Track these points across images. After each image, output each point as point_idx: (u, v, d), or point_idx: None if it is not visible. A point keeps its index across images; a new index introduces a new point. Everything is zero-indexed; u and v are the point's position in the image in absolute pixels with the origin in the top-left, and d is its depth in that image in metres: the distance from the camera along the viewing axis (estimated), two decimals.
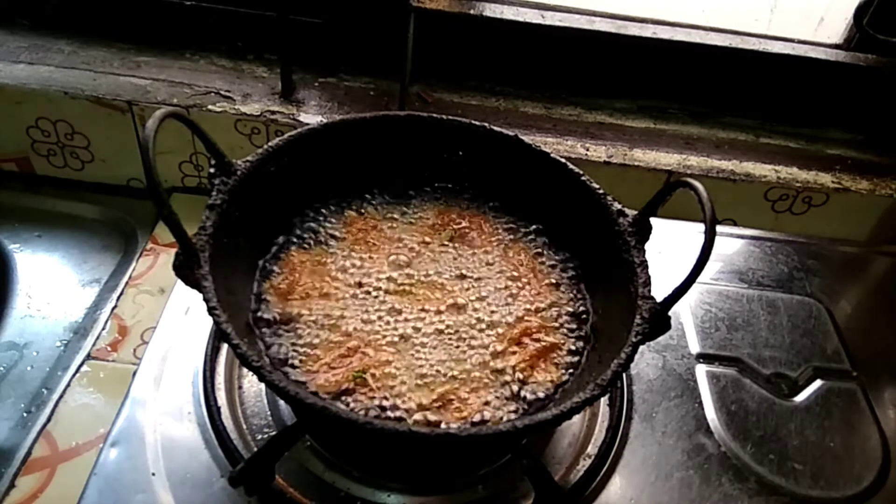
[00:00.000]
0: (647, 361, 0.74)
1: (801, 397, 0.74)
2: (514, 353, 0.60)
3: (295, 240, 0.66)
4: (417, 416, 0.54)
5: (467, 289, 0.64)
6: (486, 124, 0.70)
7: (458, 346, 0.59)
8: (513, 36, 0.96)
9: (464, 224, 0.71)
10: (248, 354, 0.48)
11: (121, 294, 0.83)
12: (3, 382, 0.73)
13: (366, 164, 0.70)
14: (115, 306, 0.81)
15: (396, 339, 0.59)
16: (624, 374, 0.67)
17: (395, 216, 0.71)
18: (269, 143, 0.63)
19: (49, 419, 0.69)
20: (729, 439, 0.68)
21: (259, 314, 0.60)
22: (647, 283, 0.56)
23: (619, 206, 0.63)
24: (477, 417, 0.55)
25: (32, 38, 0.96)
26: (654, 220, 0.61)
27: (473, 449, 0.60)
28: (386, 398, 0.55)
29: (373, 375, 0.56)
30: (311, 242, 0.66)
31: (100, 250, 0.89)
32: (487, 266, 0.67)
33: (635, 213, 0.61)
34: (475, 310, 0.63)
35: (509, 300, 0.64)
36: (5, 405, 0.71)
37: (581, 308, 0.65)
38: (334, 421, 0.46)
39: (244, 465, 0.57)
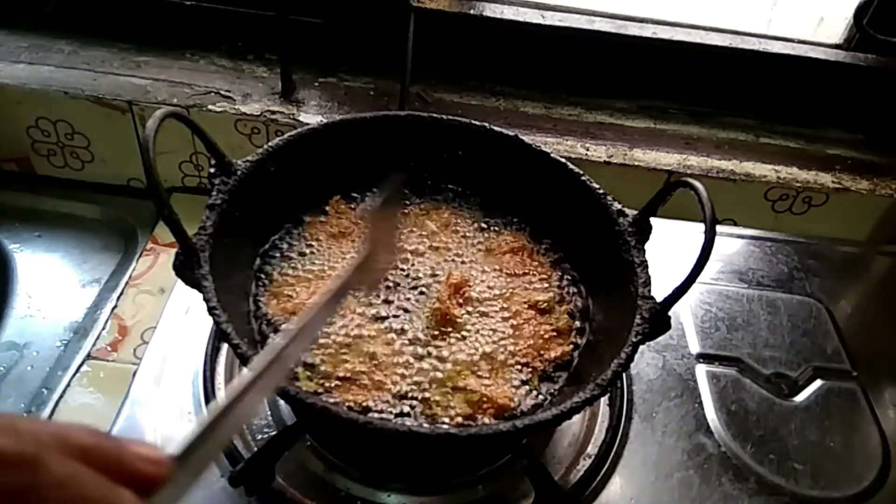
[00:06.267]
0: (647, 361, 0.74)
1: (801, 397, 0.74)
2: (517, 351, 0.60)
3: (288, 252, 0.66)
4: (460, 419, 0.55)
5: (469, 289, 0.64)
6: (486, 124, 0.70)
7: (466, 345, 0.59)
8: (513, 36, 0.96)
9: (463, 224, 0.71)
10: (248, 354, 0.48)
11: (121, 294, 0.82)
12: (3, 382, 0.73)
13: (366, 165, 0.70)
14: (115, 306, 0.81)
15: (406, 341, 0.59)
16: (624, 374, 0.67)
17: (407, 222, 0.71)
18: (269, 143, 0.63)
19: (49, 419, 0.69)
20: (729, 439, 0.68)
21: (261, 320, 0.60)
22: (647, 283, 0.56)
23: (619, 206, 0.63)
24: (513, 404, 0.56)
25: (32, 38, 0.95)
26: (654, 220, 0.61)
27: (473, 449, 0.60)
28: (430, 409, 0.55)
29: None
30: (305, 255, 0.66)
31: (100, 250, 0.89)
32: (487, 266, 0.67)
33: (635, 213, 0.61)
34: (476, 311, 0.63)
35: (509, 300, 0.64)
36: (5, 405, 0.71)
37: (581, 308, 0.65)
38: (334, 421, 0.46)
39: (244, 465, 0.57)
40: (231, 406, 0.33)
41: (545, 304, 0.64)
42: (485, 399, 0.56)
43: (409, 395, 0.55)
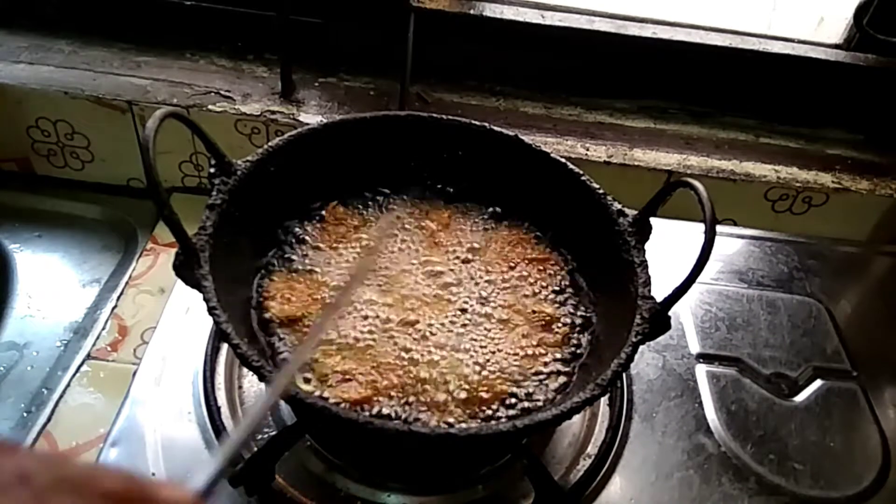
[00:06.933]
0: (647, 361, 0.74)
1: (801, 397, 0.74)
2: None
3: (288, 252, 0.66)
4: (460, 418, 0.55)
5: (468, 289, 0.64)
6: (486, 124, 0.70)
7: (466, 345, 0.59)
8: (513, 36, 0.96)
9: (464, 224, 0.71)
10: (248, 354, 0.48)
11: (121, 294, 0.82)
12: (3, 382, 0.73)
13: (366, 165, 0.70)
14: (115, 306, 0.81)
15: (408, 345, 0.59)
16: (624, 374, 0.67)
17: (405, 222, 0.71)
18: (269, 143, 0.63)
19: (49, 419, 0.69)
20: (729, 439, 0.68)
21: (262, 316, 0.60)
22: (647, 283, 0.56)
23: (619, 206, 0.63)
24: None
25: (32, 38, 0.95)
26: (654, 220, 0.61)
27: (473, 449, 0.60)
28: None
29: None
30: (305, 255, 0.65)
31: (100, 250, 0.89)
32: (487, 266, 0.67)
33: (635, 213, 0.61)
34: (476, 310, 0.63)
35: (508, 299, 0.64)
36: (5, 405, 0.71)
37: (581, 308, 0.65)
38: (334, 421, 0.46)
39: (244, 465, 0.57)
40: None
41: (545, 304, 0.64)
42: (484, 390, 0.56)
43: (410, 393, 0.55)
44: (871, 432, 0.72)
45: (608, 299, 0.63)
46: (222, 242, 0.55)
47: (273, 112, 0.89)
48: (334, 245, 0.66)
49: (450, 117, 0.70)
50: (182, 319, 0.72)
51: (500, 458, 0.63)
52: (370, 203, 0.71)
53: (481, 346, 0.60)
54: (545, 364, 0.60)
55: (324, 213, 0.69)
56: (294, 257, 0.65)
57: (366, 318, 0.60)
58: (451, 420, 0.54)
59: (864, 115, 1.04)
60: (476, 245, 0.69)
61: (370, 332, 0.59)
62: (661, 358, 0.75)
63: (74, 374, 0.73)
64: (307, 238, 0.67)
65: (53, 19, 0.97)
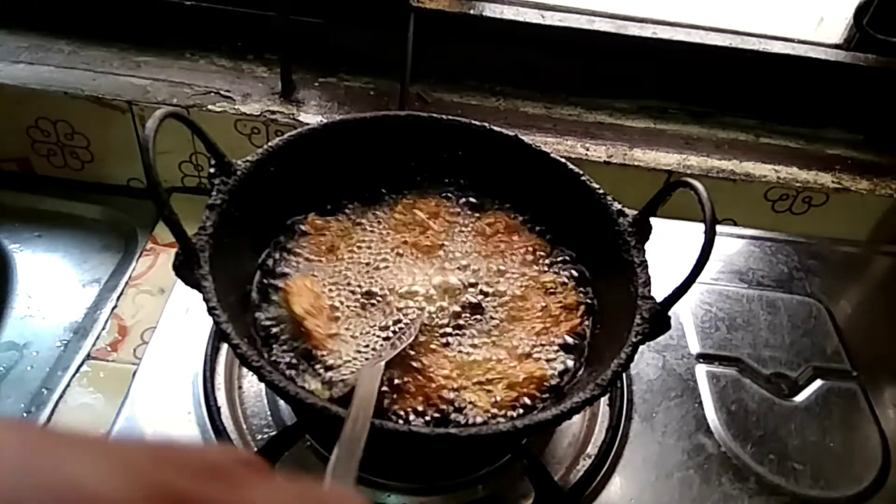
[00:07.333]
0: (647, 361, 0.74)
1: (801, 397, 0.74)
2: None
3: (289, 251, 0.65)
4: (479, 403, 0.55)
5: (468, 289, 0.64)
6: (486, 124, 0.70)
7: (465, 345, 0.59)
8: (513, 36, 0.96)
9: (464, 224, 0.71)
10: (248, 354, 0.48)
11: (121, 294, 0.82)
12: (3, 382, 0.73)
13: (366, 164, 0.70)
14: (115, 306, 0.81)
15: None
16: (624, 374, 0.67)
17: (394, 217, 0.71)
18: (269, 143, 0.63)
19: (49, 419, 0.69)
20: (729, 439, 0.68)
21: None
22: (647, 283, 0.56)
23: (619, 206, 0.63)
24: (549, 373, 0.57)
25: (32, 38, 0.95)
26: (654, 220, 0.61)
27: (473, 449, 0.60)
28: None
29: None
30: (304, 254, 0.65)
31: (100, 250, 0.89)
32: (487, 266, 0.67)
33: (635, 213, 0.61)
34: (479, 308, 0.63)
35: (509, 300, 0.64)
36: (5, 405, 0.71)
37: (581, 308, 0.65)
38: (334, 421, 0.46)
39: None
40: None
41: (550, 285, 0.64)
42: (519, 378, 0.56)
43: (450, 393, 0.55)
44: (871, 432, 0.72)
45: (608, 299, 0.63)
46: (222, 242, 0.55)
47: (273, 112, 0.89)
48: (331, 248, 0.66)
49: (450, 117, 0.70)
50: (182, 319, 0.72)
51: (500, 458, 0.63)
52: (368, 204, 0.71)
53: (486, 344, 0.60)
54: (554, 358, 0.60)
55: (303, 227, 0.67)
56: (293, 258, 0.65)
57: (373, 317, 0.60)
58: (478, 418, 0.54)
59: (864, 115, 1.04)
60: (474, 244, 0.69)
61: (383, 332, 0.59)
62: (661, 358, 0.75)
63: (74, 375, 0.73)
64: (304, 239, 0.66)
65: (53, 19, 0.97)
